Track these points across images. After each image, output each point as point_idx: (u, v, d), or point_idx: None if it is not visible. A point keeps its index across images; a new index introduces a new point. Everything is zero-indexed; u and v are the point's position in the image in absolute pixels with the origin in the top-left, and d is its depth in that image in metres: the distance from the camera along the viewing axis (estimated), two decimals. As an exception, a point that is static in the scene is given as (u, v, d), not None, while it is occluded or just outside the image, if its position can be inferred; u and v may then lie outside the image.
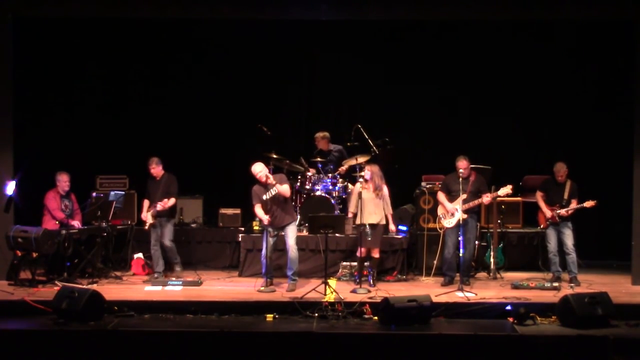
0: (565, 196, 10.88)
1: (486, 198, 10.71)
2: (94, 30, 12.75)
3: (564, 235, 10.87)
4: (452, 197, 10.86)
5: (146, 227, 11.22)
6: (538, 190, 11.21)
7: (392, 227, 10.96)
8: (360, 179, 11.13)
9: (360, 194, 10.86)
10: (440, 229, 11.02)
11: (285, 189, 10.53)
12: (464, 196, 10.64)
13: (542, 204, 11.04)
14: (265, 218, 10.49)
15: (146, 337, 8.59)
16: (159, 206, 10.98)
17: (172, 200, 11.11)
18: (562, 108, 12.98)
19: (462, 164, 10.68)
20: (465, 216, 10.68)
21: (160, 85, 13.21)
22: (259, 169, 10.52)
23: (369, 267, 10.93)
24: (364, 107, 13.30)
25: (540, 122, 13.05)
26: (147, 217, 11.10)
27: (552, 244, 10.98)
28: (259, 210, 10.59)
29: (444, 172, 11.36)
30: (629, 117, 11.39)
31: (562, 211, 10.80)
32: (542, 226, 11.12)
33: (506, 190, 10.65)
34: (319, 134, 12.51)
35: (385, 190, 10.94)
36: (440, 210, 11.01)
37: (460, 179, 10.63)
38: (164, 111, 13.18)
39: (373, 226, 10.73)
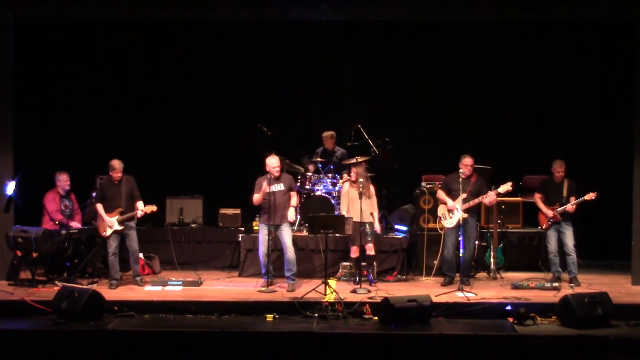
0: (565, 194, 10.87)
1: (487, 198, 10.70)
2: (94, 30, 12.75)
3: (565, 236, 10.87)
4: (451, 196, 10.85)
5: (107, 234, 10.70)
6: (536, 192, 11.19)
7: (377, 226, 10.96)
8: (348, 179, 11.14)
9: (348, 194, 10.91)
10: (441, 229, 11.01)
11: (294, 202, 10.80)
12: (464, 195, 10.65)
13: (541, 205, 11.03)
14: (257, 197, 10.57)
15: (146, 337, 8.59)
16: (140, 213, 10.61)
17: (153, 207, 10.76)
18: (562, 108, 12.98)
19: (468, 161, 10.68)
20: (465, 216, 10.68)
21: (160, 85, 13.19)
22: (276, 163, 10.59)
23: (367, 265, 10.94)
24: (364, 107, 13.29)
25: (540, 122, 13.04)
26: (113, 223, 10.68)
27: (552, 245, 10.98)
28: (256, 197, 10.66)
29: (444, 172, 11.36)
30: (629, 117, 11.39)
31: (568, 206, 10.77)
32: (543, 227, 11.11)
33: (506, 187, 10.64)
34: (328, 133, 12.49)
35: (371, 189, 10.97)
36: (440, 211, 11.00)
37: (461, 179, 10.63)
38: (164, 111, 13.17)
39: (365, 224, 10.75)
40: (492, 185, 10.86)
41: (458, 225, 10.71)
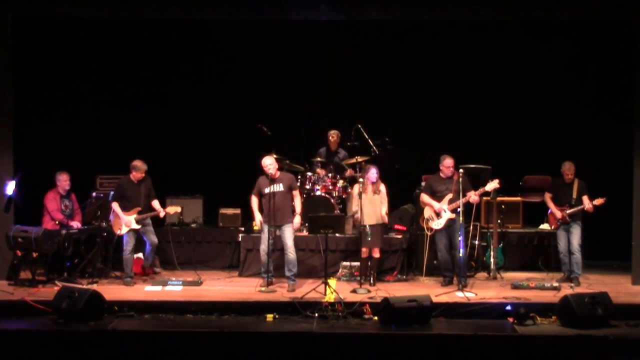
0: (574, 195, 10.85)
1: (473, 197, 10.66)
2: (94, 30, 12.73)
3: (572, 235, 10.86)
4: (436, 198, 10.83)
5: (121, 232, 10.82)
6: (546, 192, 11.18)
7: (385, 217, 10.97)
8: (361, 180, 11.06)
9: (360, 195, 10.85)
10: (429, 230, 11.02)
11: (298, 207, 10.80)
12: (450, 196, 10.64)
13: (551, 205, 11.02)
14: (258, 219, 10.67)
15: (146, 337, 8.59)
16: (162, 213, 10.87)
17: (177, 208, 11.14)
18: (562, 108, 12.97)
19: (449, 163, 10.68)
20: (453, 216, 10.66)
21: (160, 85, 13.18)
22: (269, 162, 10.60)
23: (370, 267, 10.93)
24: (364, 107, 13.28)
25: (540, 122, 13.03)
26: (131, 222, 10.78)
27: (562, 245, 10.97)
28: (254, 201, 10.68)
29: (443, 172, 11.34)
30: (629, 118, 11.39)
31: (586, 206, 10.73)
32: (552, 227, 11.10)
33: (493, 184, 10.63)
34: (335, 132, 12.52)
35: (382, 188, 10.97)
36: (427, 213, 10.97)
37: (448, 179, 10.63)
38: (164, 111, 13.17)
39: (373, 226, 10.75)
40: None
41: (447, 226, 10.70)
